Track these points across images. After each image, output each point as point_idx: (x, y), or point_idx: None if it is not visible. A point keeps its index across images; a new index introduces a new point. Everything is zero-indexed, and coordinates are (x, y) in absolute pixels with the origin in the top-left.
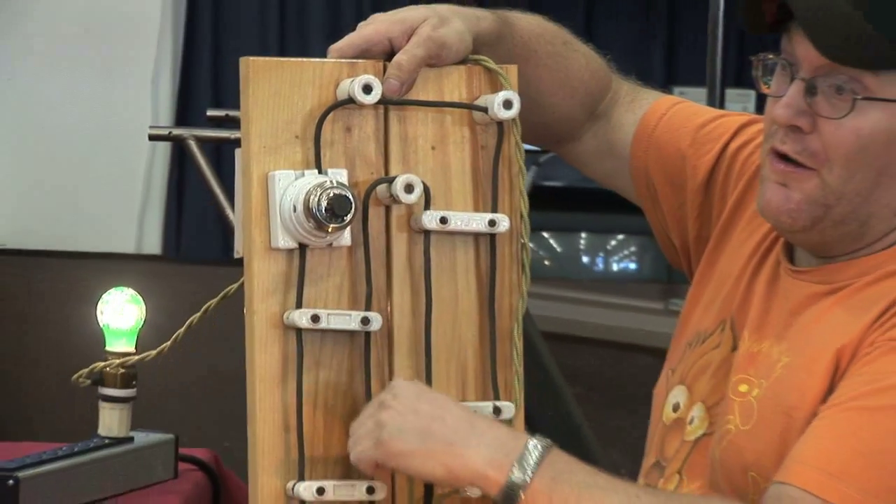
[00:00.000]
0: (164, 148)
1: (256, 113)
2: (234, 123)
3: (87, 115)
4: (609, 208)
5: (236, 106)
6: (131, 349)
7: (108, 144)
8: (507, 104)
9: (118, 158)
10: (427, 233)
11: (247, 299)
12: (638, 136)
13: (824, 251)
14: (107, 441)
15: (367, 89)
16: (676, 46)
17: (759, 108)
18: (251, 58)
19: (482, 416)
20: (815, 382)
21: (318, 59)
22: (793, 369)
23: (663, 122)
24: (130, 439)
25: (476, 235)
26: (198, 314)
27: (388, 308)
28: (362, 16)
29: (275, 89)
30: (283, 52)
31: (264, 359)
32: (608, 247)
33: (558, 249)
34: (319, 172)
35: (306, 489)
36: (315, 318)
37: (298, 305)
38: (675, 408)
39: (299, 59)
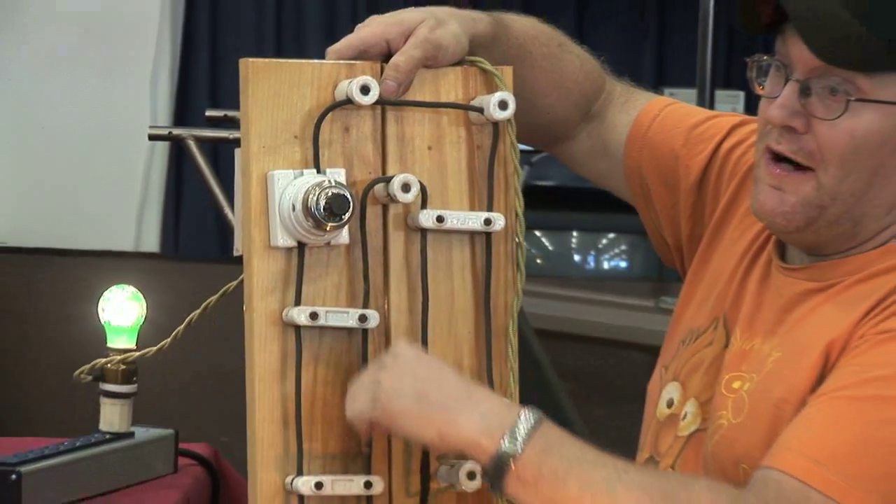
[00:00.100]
0: (162, 147)
1: (256, 113)
2: (231, 124)
3: (87, 115)
4: (600, 207)
5: (234, 105)
6: (132, 346)
7: (108, 144)
8: (503, 105)
9: (117, 158)
10: (424, 231)
11: (246, 297)
12: (632, 137)
13: (817, 250)
14: (108, 436)
15: (365, 90)
16: (666, 48)
17: (749, 108)
18: (251, 59)
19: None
20: (804, 375)
21: (316, 61)
22: (783, 363)
23: (657, 123)
24: (131, 434)
25: (472, 234)
26: (198, 311)
27: (386, 305)
28: (357, 16)
29: (274, 90)
30: (280, 52)
31: (263, 355)
32: (599, 245)
33: (550, 248)
34: (318, 172)
35: (305, 483)
36: (313, 316)
37: (297, 303)
38: (669, 404)
39: (298, 61)
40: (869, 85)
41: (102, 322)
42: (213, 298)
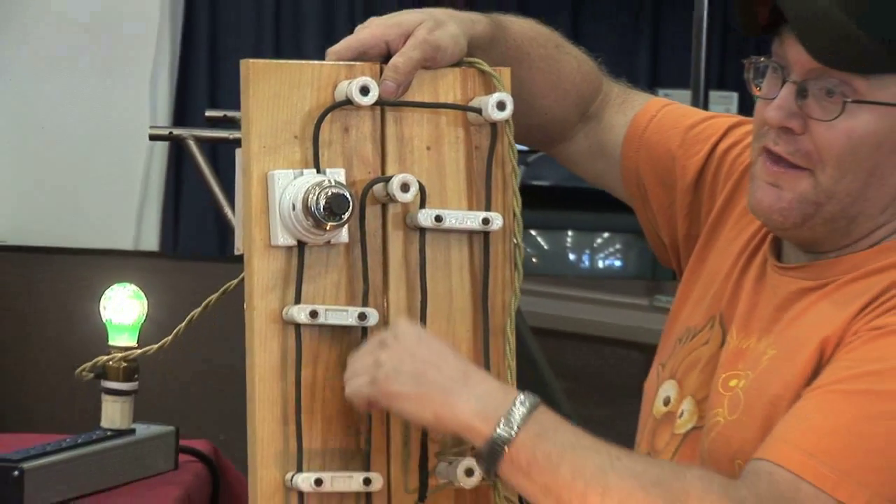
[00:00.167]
0: (161, 147)
1: (256, 114)
2: (231, 124)
3: (87, 115)
4: (595, 207)
5: (233, 106)
6: (133, 344)
7: (107, 144)
8: (501, 106)
9: (117, 157)
10: (422, 231)
11: (247, 295)
12: (629, 137)
13: (813, 247)
14: (109, 433)
15: (365, 91)
16: (660, 49)
17: (742, 109)
18: (251, 60)
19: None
20: (799, 371)
21: (316, 62)
22: (778, 360)
23: (654, 124)
24: (132, 431)
25: (470, 233)
26: (198, 309)
27: (385, 304)
28: (355, 17)
29: (274, 91)
30: (279, 53)
31: (264, 353)
32: (594, 244)
33: (545, 247)
34: (318, 172)
35: (304, 480)
36: (313, 314)
37: (297, 301)
38: (666, 402)
39: (298, 62)
40: (866, 86)
41: (104, 320)
42: (214, 297)
